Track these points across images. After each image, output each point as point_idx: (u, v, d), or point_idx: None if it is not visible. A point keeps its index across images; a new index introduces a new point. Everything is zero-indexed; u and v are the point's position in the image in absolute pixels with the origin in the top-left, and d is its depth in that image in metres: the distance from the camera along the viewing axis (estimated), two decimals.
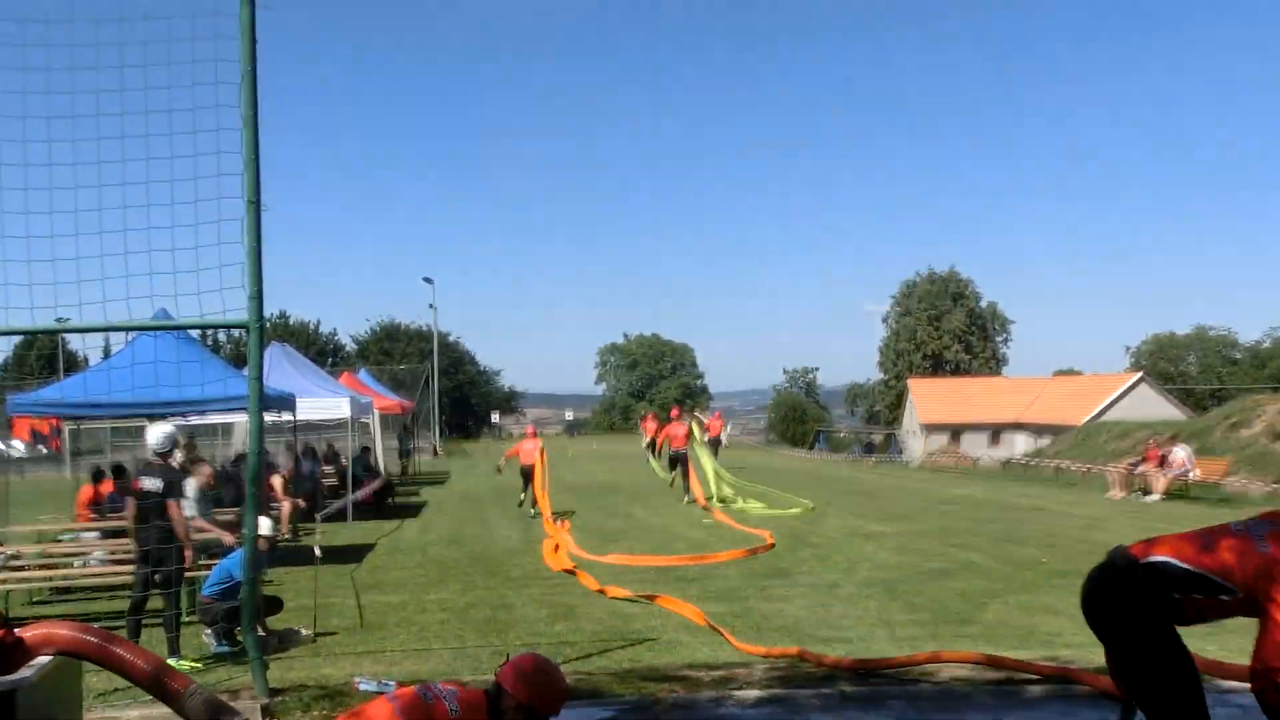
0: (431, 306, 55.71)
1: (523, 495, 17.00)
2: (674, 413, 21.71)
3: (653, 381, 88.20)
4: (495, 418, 71.82)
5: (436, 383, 50.36)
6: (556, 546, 11.54)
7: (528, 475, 17.22)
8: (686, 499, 18.36)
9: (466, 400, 72.32)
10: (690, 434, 19.31)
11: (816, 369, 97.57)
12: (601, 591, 9.65)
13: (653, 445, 25.92)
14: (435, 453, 43.14)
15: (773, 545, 12.41)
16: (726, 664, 6.52)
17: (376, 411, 21.67)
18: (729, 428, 59.29)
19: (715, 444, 25.26)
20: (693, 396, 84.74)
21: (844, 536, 13.40)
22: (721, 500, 17.90)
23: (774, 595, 9.27)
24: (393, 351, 66.67)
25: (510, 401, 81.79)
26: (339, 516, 14.97)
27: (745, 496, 18.49)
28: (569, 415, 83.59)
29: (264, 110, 5.20)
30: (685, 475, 18.73)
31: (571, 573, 10.57)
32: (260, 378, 5.69)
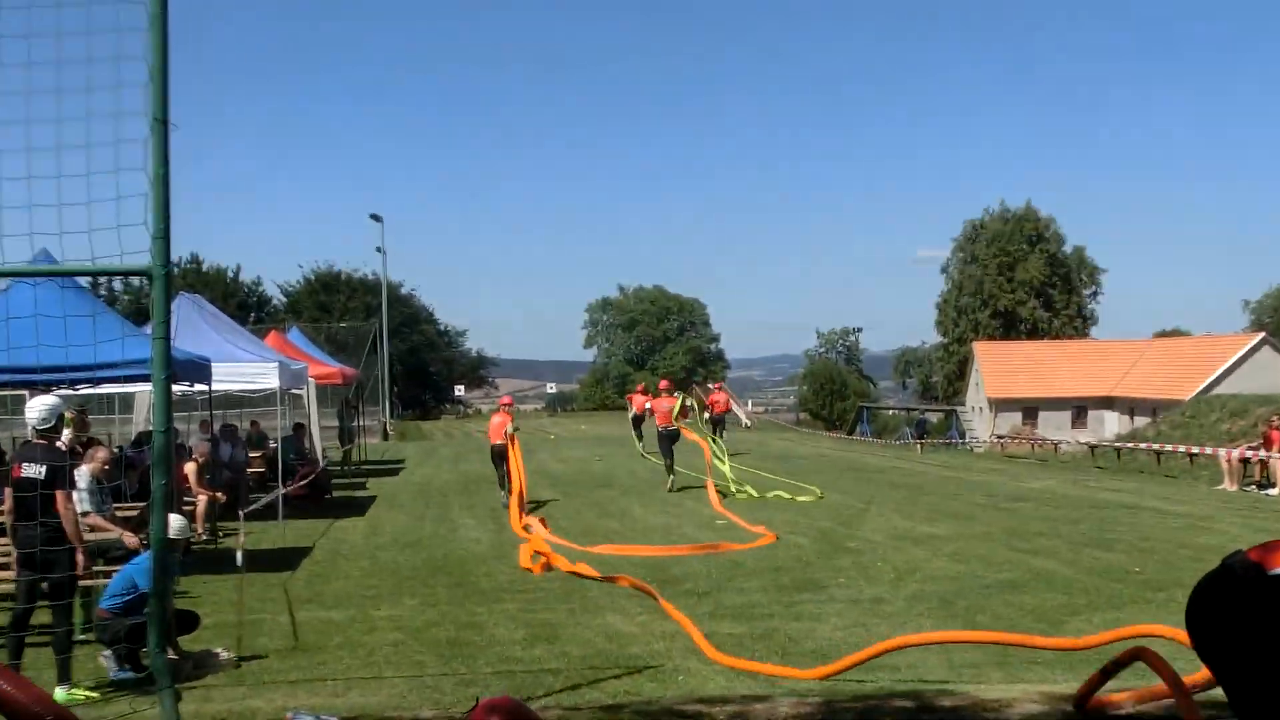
0: (379, 250, 55.42)
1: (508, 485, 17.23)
2: (663, 385, 21.85)
3: (655, 346, 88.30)
4: (460, 390, 71.90)
5: (386, 345, 50.42)
6: (545, 558, 11.77)
7: (499, 457, 17.35)
8: (670, 481, 19.16)
9: (424, 368, 72.39)
10: (688, 409, 19.75)
11: (859, 330, 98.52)
12: (556, 568, 10.82)
13: (638, 423, 26.03)
14: (385, 434, 43.31)
15: (775, 539, 13.28)
16: (743, 697, 6.60)
17: (312, 381, 21.68)
18: (747, 407, 59.49)
19: (719, 423, 25.35)
20: (705, 364, 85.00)
21: (889, 541, 13.53)
22: (730, 491, 18.23)
23: (804, 613, 9.39)
24: (331, 306, 66.69)
25: (478, 370, 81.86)
26: (267, 513, 15.05)
27: (746, 486, 18.96)
28: (551, 388, 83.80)
29: (174, 9, 5.15)
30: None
31: (550, 568, 11.40)
32: (167, 336, 5.68)
